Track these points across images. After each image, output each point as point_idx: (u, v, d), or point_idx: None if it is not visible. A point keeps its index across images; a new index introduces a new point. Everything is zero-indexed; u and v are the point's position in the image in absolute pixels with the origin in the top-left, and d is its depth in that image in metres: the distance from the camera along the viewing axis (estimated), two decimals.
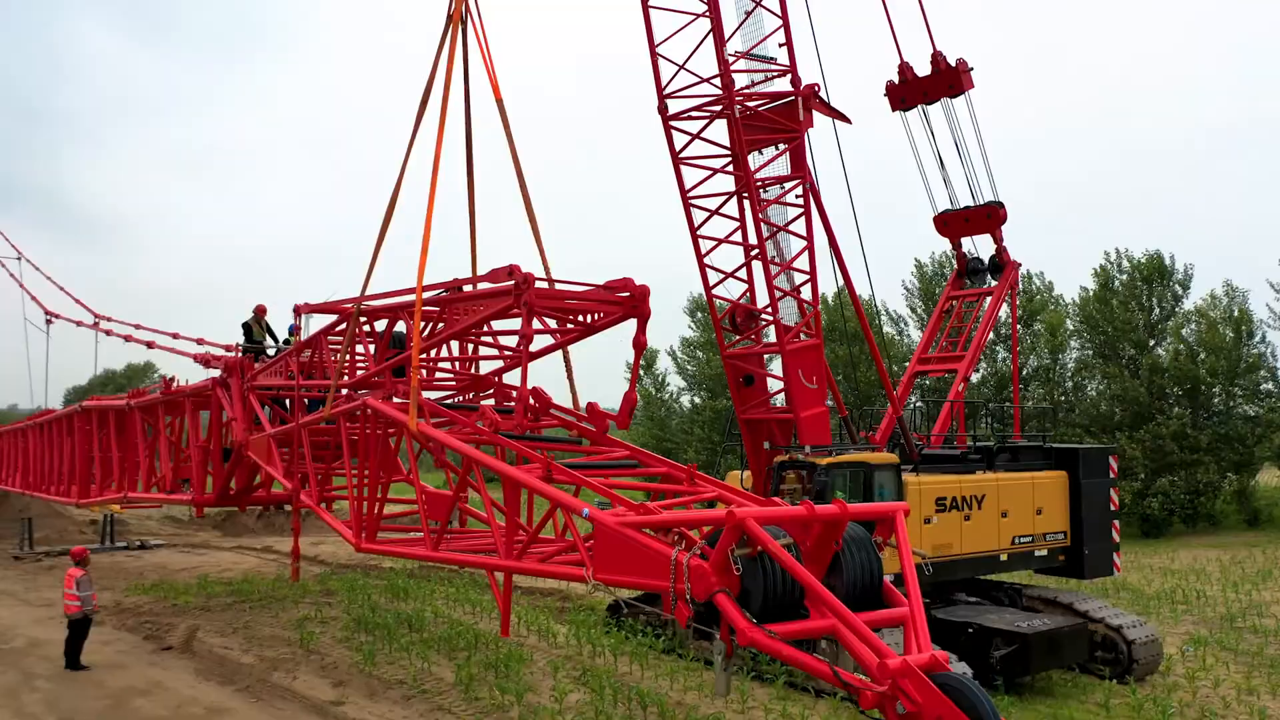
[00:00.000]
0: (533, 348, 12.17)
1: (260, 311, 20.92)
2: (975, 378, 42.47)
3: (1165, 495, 42.75)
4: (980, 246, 22.28)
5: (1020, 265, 21.64)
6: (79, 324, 34.26)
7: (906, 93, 21.02)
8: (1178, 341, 46.08)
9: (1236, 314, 45.11)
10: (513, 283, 10.83)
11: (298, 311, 15.34)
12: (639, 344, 11.66)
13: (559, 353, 13.49)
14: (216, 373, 20.84)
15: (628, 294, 11.53)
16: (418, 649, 16.39)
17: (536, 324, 11.91)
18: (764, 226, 17.06)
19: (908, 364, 22.76)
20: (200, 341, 26.13)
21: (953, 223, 21.76)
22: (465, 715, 13.63)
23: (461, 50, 13.48)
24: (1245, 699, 15.85)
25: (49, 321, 36.78)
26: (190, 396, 22.41)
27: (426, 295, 12.28)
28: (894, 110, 21.50)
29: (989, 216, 21.10)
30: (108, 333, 32.37)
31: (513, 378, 14.54)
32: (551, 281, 12.31)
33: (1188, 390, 44.61)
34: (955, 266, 22.40)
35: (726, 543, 7.60)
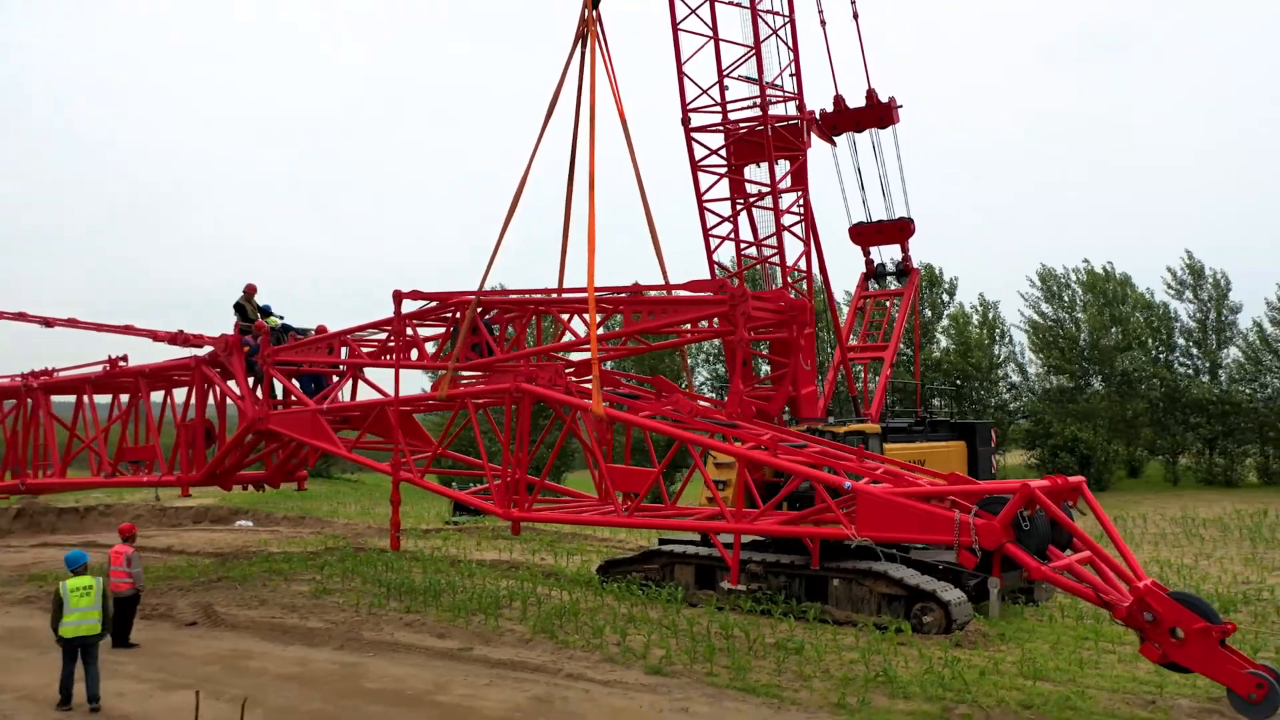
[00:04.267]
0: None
1: (250, 290, 20.92)
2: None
3: None
4: (883, 254, 26.32)
5: (920, 271, 25.84)
6: None
7: (839, 121, 24.52)
8: (941, 337, 53.94)
9: (989, 318, 53.59)
10: (727, 294, 12.99)
11: (397, 298, 16.15)
12: (798, 345, 14.14)
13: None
14: (198, 351, 20.75)
15: (784, 304, 13.98)
16: (475, 606, 17.62)
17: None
18: (777, 229, 19.79)
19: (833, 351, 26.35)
20: (129, 328, 24.90)
21: (866, 233, 25.55)
22: (583, 654, 15.17)
23: (579, 63, 15.22)
24: None
25: None
26: (147, 377, 21.89)
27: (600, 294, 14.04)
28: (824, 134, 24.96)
29: (901, 230, 25.08)
30: None
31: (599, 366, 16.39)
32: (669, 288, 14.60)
33: (952, 382, 52.35)
34: (865, 270, 26.24)
35: (1017, 505, 10.33)
